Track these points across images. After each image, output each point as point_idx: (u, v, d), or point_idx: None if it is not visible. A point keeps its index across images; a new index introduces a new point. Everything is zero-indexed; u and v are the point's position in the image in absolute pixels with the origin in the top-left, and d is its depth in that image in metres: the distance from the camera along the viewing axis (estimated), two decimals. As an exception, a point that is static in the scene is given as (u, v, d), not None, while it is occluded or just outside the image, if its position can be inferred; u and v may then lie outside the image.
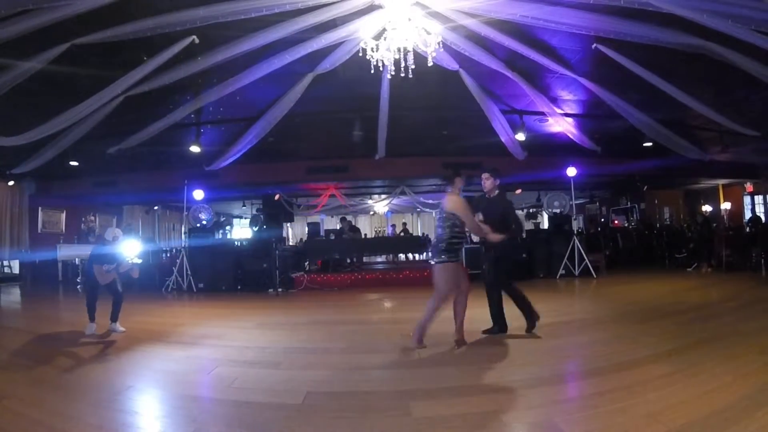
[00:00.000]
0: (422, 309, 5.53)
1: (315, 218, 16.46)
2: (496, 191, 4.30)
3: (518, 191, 12.96)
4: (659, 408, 2.25)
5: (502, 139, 8.57)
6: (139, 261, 4.81)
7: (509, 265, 4.33)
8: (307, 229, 13.83)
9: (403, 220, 17.94)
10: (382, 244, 13.01)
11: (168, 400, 2.72)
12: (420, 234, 16.67)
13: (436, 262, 3.67)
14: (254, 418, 2.37)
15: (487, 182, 4.25)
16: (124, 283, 4.80)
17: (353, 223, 12.67)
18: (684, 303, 5.38)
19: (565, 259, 8.46)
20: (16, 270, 10.68)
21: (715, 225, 10.97)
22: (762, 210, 13.59)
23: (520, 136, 8.10)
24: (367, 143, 8.85)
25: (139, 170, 10.67)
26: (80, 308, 4.52)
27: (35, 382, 3.06)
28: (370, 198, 14.99)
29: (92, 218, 12.50)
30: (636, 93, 6.72)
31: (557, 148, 9.77)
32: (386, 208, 17.29)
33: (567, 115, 8.02)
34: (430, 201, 13.26)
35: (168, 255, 10.80)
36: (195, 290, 8.14)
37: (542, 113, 7.73)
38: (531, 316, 4.10)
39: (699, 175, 12.12)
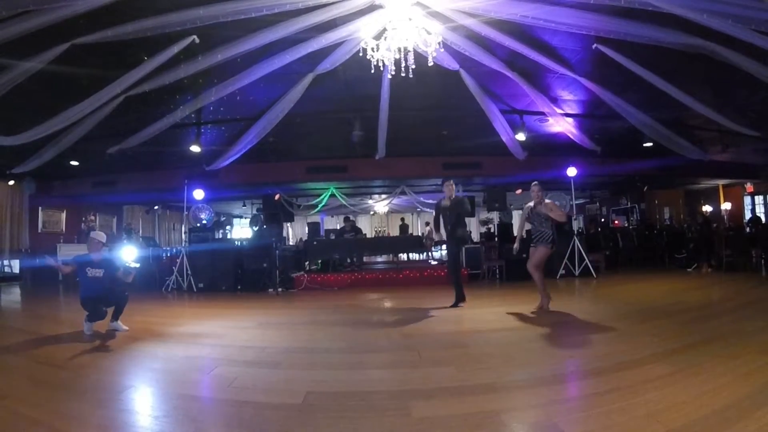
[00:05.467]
0: (422, 308, 5.57)
1: (315, 218, 16.46)
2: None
3: (518, 191, 12.97)
4: (659, 408, 2.25)
5: (503, 139, 8.57)
6: (137, 265, 4.81)
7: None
8: (307, 229, 13.84)
9: (402, 216, 17.91)
10: (382, 244, 13.00)
11: (168, 399, 2.72)
12: (420, 233, 16.66)
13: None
14: (254, 418, 2.37)
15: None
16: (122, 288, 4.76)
17: (356, 223, 12.69)
18: (684, 303, 5.38)
19: (565, 259, 8.46)
20: (16, 270, 10.68)
21: (715, 225, 10.97)
22: (762, 210, 13.60)
23: (521, 136, 8.10)
24: (367, 143, 8.85)
25: (139, 170, 10.67)
26: (80, 308, 4.51)
27: (35, 382, 3.06)
28: (370, 198, 14.99)
29: (92, 218, 12.51)
30: (636, 93, 6.72)
31: (557, 148, 9.78)
32: (386, 208, 17.29)
33: (567, 115, 8.02)
34: (430, 201, 13.27)
35: (168, 255, 10.79)
36: (195, 290, 8.15)
37: (542, 113, 7.73)
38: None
39: (699, 175, 12.12)
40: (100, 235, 4.75)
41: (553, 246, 5.07)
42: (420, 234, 15.98)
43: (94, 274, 4.52)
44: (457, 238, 5.67)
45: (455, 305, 5.54)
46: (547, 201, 5.06)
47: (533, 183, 5.15)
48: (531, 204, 5.17)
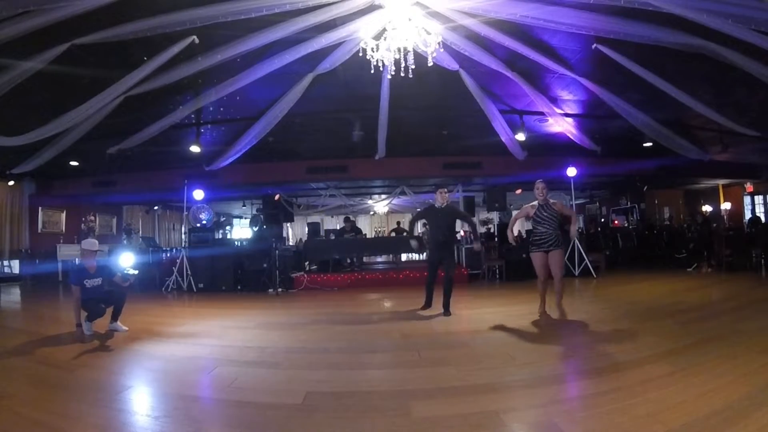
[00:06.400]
0: (422, 308, 5.56)
1: (315, 218, 16.45)
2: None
3: (518, 191, 12.97)
4: (659, 408, 2.25)
5: (502, 139, 8.57)
6: (135, 272, 4.82)
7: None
8: (307, 229, 13.84)
9: (398, 220, 17.90)
10: (382, 244, 13.00)
11: (168, 400, 2.72)
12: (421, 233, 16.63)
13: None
14: (254, 418, 2.37)
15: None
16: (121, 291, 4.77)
17: (356, 223, 12.68)
18: (684, 303, 5.38)
19: (565, 259, 8.45)
20: (16, 270, 10.68)
21: (715, 225, 10.96)
22: (762, 210, 13.60)
23: (520, 136, 8.09)
24: (367, 143, 8.85)
25: (139, 170, 10.66)
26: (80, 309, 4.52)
27: (35, 382, 3.06)
28: (370, 198, 14.98)
29: (92, 218, 12.50)
30: (636, 93, 6.71)
31: (557, 148, 9.78)
32: (386, 208, 17.26)
33: (567, 115, 8.01)
34: (431, 201, 13.26)
35: (168, 255, 10.81)
36: (195, 290, 8.15)
37: (542, 113, 7.73)
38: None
39: (699, 175, 12.11)
40: (92, 243, 4.70)
41: (565, 246, 4.94)
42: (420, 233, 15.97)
43: (92, 284, 4.54)
44: (451, 245, 5.57)
45: (426, 308, 5.46)
46: (552, 201, 4.89)
47: (538, 180, 4.91)
48: (535, 203, 4.90)
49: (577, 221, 4.77)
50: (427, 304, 5.51)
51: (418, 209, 5.70)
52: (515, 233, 5.51)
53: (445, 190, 5.51)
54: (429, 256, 5.55)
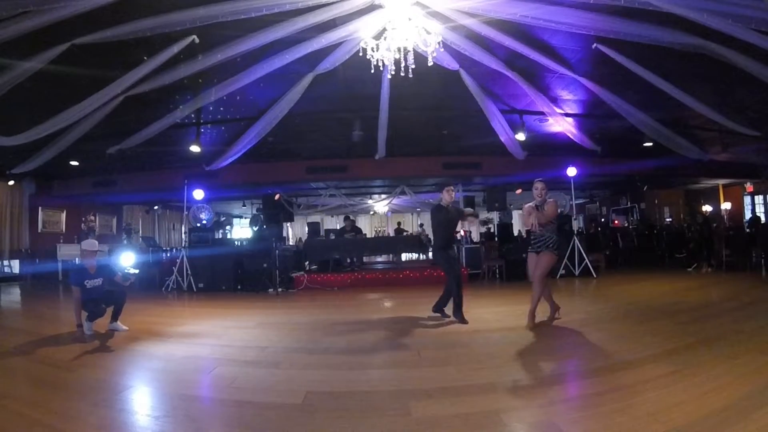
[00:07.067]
0: (422, 308, 5.56)
1: (315, 218, 16.46)
2: None
3: (518, 191, 12.97)
4: (659, 408, 2.25)
5: (502, 139, 8.57)
6: (136, 272, 4.83)
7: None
8: (307, 228, 13.84)
9: (398, 220, 17.94)
10: (382, 244, 13.00)
11: (168, 400, 2.72)
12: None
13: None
14: (254, 418, 2.37)
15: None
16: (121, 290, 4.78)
17: (356, 223, 12.68)
18: (684, 303, 5.38)
19: (565, 259, 8.46)
20: (16, 270, 10.68)
21: (715, 225, 10.96)
22: (762, 210, 13.60)
23: (520, 136, 8.09)
24: (367, 143, 8.85)
25: (139, 170, 10.67)
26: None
27: (35, 382, 3.06)
28: (370, 198, 14.99)
29: (92, 218, 12.50)
30: (636, 93, 6.71)
31: (557, 148, 9.78)
32: (386, 208, 17.28)
33: (567, 115, 8.02)
34: (430, 201, 13.27)
35: (168, 255, 10.82)
36: (195, 290, 8.15)
37: (542, 113, 7.73)
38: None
39: (699, 175, 12.12)
40: (91, 244, 4.71)
41: (558, 251, 4.57)
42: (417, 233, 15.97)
43: (93, 285, 4.54)
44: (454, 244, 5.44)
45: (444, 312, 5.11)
46: (549, 200, 4.66)
47: (537, 180, 4.67)
48: (532, 204, 4.67)
49: (553, 219, 4.49)
50: (444, 304, 5.12)
51: (432, 212, 5.23)
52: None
53: (452, 187, 5.29)
54: (442, 256, 5.17)
